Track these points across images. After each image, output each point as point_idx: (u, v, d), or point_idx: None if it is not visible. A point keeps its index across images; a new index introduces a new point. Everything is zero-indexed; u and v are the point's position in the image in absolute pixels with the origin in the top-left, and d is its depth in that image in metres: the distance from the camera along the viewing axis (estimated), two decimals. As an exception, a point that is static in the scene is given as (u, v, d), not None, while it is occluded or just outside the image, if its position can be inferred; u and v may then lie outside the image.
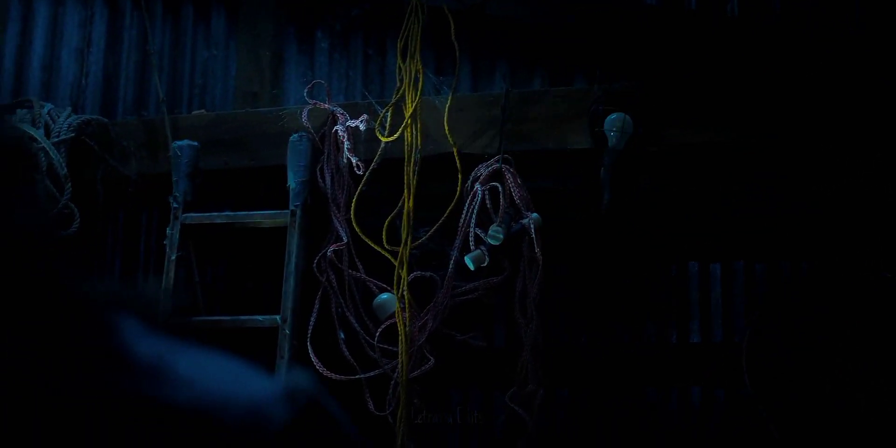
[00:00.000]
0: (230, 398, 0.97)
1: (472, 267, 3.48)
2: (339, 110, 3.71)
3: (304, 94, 3.76)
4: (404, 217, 3.56)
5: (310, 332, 3.53)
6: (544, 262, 3.49)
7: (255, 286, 3.79)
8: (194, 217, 3.66)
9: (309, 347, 3.51)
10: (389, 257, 3.57)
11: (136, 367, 0.98)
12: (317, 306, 3.56)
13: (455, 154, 3.57)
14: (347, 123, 3.66)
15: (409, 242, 3.55)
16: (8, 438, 0.85)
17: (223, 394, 0.97)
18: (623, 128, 3.46)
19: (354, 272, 3.62)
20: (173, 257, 3.61)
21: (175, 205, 3.67)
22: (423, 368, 3.51)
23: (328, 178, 3.64)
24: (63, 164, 3.72)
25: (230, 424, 0.95)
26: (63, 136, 3.79)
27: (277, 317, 3.49)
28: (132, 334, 1.01)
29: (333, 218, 3.63)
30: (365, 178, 3.63)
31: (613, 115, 3.48)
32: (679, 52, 3.66)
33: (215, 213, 3.68)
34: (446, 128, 3.57)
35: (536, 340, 3.49)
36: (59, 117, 3.86)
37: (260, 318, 3.50)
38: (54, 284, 0.94)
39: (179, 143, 3.73)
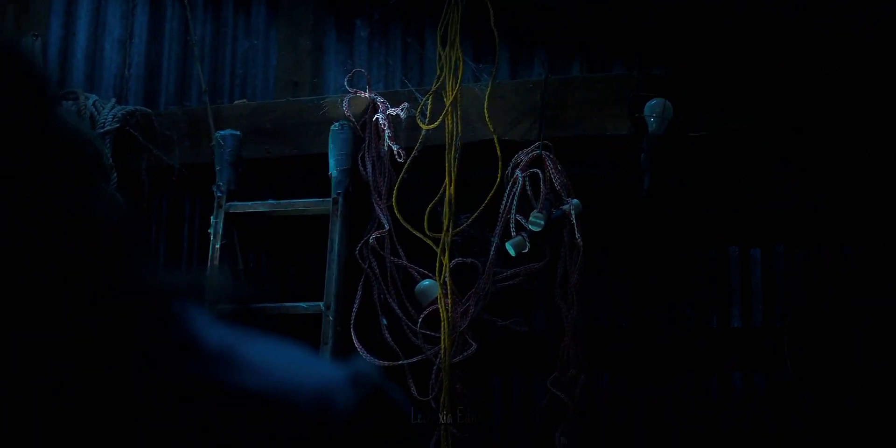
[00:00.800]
0: (297, 385, 0.99)
1: (512, 253, 3.50)
2: (379, 98, 3.74)
3: (345, 83, 3.79)
4: (445, 204, 3.58)
5: (353, 318, 3.57)
6: (585, 248, 3.51)
7: (298, 273, 3.83)
8: (238, 205, 3.70)
9: (352, 333, 3.55)
10: (431, 244, 3.60)
11: (207, 354, 1.00)
12: (359, 293, 3.60)
13: (495, 141, 3.59)
14: (388, 111, 3.69)
15: (450, 229, 3.57)
16: (89, 427, 0.87)
17: (290, 380, 0.99)
18: (663, 113, 3.46)
19: (396, 259, 3.65)
20: (218, 245, 3.66)
21: (219, 194, 3.72)
22: (465, 354, 3.54)
23: (369, 166, 3.68)
24: (108, 155, 3.77)
25: (298, 411, 0.97)
26: (108, 127, 3.85)
27: (321, 303, 3.53)
28: (201, 322, 1.04)
29: (375, 205, 3.66)
30: (406, 166, 3.66)
31: (653, 101, 3.48)
32: (718, 38, 3.65)
33: (258, 202, 3.73)
34: (486, 115, 3.59)
35: (577, 326, 3.51)
36: (103, 108, 3.92)
37: (304, 305, 3.55)
38: (129, 276, 0.96)
39: (222, 132, 3.78)
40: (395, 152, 3.66)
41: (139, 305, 0.96)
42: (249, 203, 3.72)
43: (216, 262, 3.61)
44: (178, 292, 1.07)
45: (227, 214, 3.69)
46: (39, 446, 0.83)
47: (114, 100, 4.05)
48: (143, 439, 0.88)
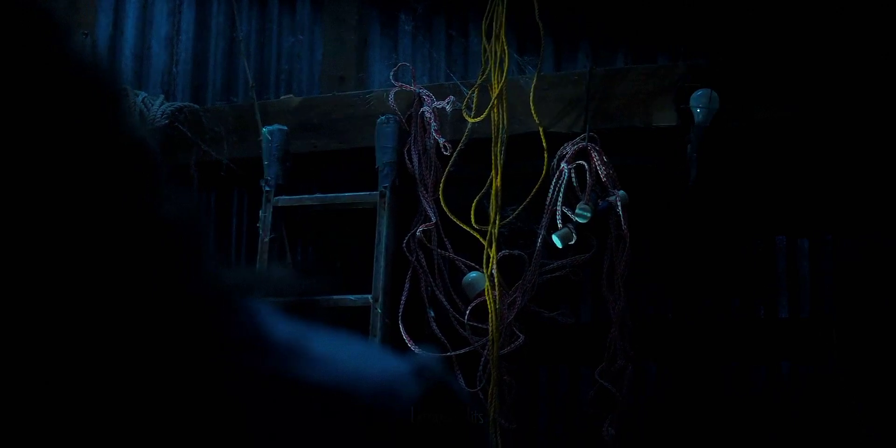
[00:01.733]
0: (362, 377, 1.00)
1: (559, 245, 3.51)
2: (424, 92, 3.76)
3: (390, 77, 3.82)
4: (492, 196, 3.60)
5: (401, 310, 3.60)
6: (631, 239, 3.51)
7: (345, 266, 3.86)
8: (285, 199, 3.74)
9: (400, 326, 3.58)
10: (478, 236, 3.62)
11: (274, 347, 1.02)
12: (407, 285, 3.63)
13: (541, 133, 3.60)
14: (434, 105, 3.71)
15: (497, 221, 3.59)
16: (166, 422, 0.89)
17: (355, 373, 1.00)
18: (709, 104, 3.46)
19: (443, 251, 3.68)
20: (266, 239, 3.70)
21: (267, 188, 3.76)
22: (512, 345, 3.56)
23: (416, 159, 3.70)
24: (159, 151, 3.82)
25: (363, 404, 0.98)
26: (158, 124, 3.90)
27: (369, 296, 3.56)
28: (266, 316, 1.05)
29: (422, 198, 3.68)
30: (452, 159, 3.68)
31: (699, 92, 3.48)
32: (763, 28, 3.63)
33: (306, 196, 3.76)
34: (532, 107, 3.60)
35: (624, 316, 3.52)
36: (152, 105, 3.97)
37: (352, 297, 3.58)
38: (203, 272, 0.98)
39: (269, 127, 3.81)
40: (441, 145, 3.68)
41: (211, 301, 0.98)
42: (297, 197, 3.75)
43: (265, 256, 3.66)
44: (242, 287, 1.10)
45: (275, 208, 3.73)
46: (124, 439, 0.86)
47: (162, 96, 4.10)
48: (216, 433, 0.90)
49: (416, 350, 3.53)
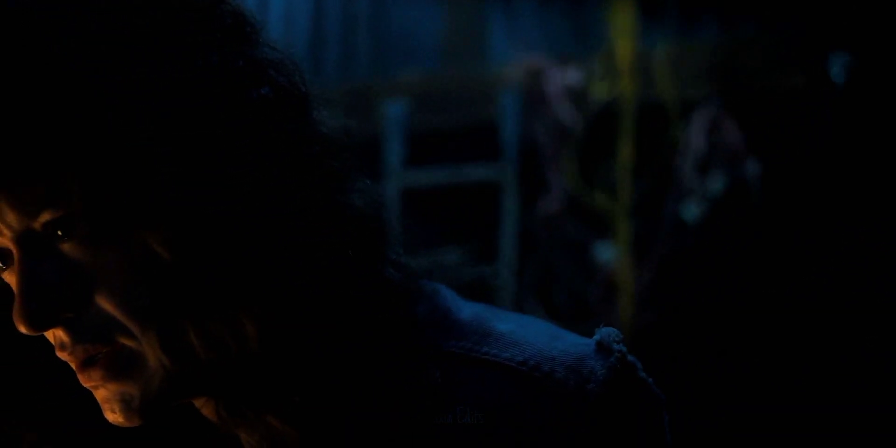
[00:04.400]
0: (550, 355, 0.99)
1: (690, 218, 3.45)
2: (547, 63, 3.71)
3: (512, 49, 3.78)
4: (620, 169, 3.55)
5: (529, 284, 3.58)
6: (766, 210, 3.43)
7: (470, 241, 3.85)
8: (409, 176, 3.74)
9: (528, 301, 3.56)
10: (606, 210, 3.57)
11: (461, 327, 1.01)
12: (534, 260, 3.61)
13: (670, 103, 3.53)
14: (557, 77, 3.66)
15: (626, 194, 3.54)
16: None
17: (544, 351, 0.99)
18: (844, 67, 3.36)
19: (571, 225, 3.64)
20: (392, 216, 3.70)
21: (389, 165, 3.76)
22: (642, 320, 3.51)
23: (540, 133, 3.66)
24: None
25: (554, 381, 0.96)
26: (279, 102, 3.92)
27: (497, 270, 3.56)
28: (449, 298, 1.04)
29: (548, 172, 3.65)
30: (578, 131, 3.63)
31: (834, 55, 3.38)
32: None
33: (429, 171, 3.76)
34: (660, 76, 3.53)
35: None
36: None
37: (479, 271, 3.58)
38: (391, 255, 0.99)
39: (390, 104, 3.81)
40: (567, 117, 3.63)
41: (401, 283, 0.97)
42: (420, 173, 3.75)
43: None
44: (421, 269, 1.09)
45: (398, 185, 3.73)
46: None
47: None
48: (415, 409, 0.90)
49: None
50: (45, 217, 0.81)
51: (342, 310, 0.87)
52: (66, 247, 0.82)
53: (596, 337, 1.01)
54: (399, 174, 3.74)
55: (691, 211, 3.44)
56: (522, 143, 3.67)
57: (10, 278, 0.86)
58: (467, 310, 1.03)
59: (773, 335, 3.46)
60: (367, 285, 0.90)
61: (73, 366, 0.86)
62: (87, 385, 0.86)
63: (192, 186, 0.79)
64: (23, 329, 0.82)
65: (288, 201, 0.84)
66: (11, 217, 0.81)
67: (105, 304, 0.82)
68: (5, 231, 0.82)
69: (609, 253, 3.55)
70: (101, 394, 0.86)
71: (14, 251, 0.83)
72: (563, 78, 3.65)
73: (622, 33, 3.59)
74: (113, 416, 0.86)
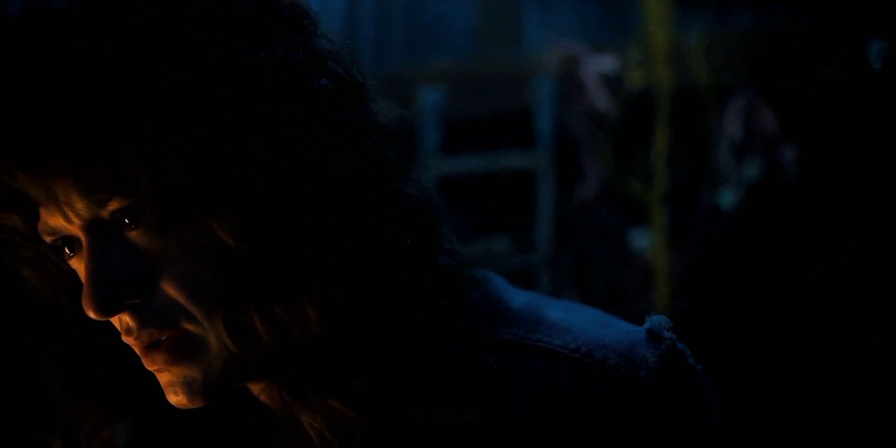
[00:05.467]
0: (602, 343, 1.00)
1: (725, 205, 3.44)
2: (582, 50, 3.70)
3: (546, 37, 3.77)
4: (657, 156, 3.54)
5: (564, 272, 3.58)
6: (803, 196, 3.42)
7: (506, 229, 3.85)
8: (443, 164, 3.74)
9: (564, 288, 3.56)
10: (641, 197, 3.57)
11: (513, 315, 1.02)
12: (570, 247, 3.61)
13: (705, 90, 3.52)
14: (592, 64, 3.65)
15: (662, 181, 3.53)
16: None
17: (596, 338, 1.00)
18: (880, 53, 3.34)
19: (606, 212, 3.64)
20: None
21: (424, 152, 3.77)
22: (676, 307, 3.51)
23: (575, 120, 3.66)
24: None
25: (606, 368, 0.97)
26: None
27: (533, 256, 3.56)
28: (500, 286, 1.06)
29: (582, 159, 3.64)
30: (613, 118, 3.62)
31: (871, 42, 3.35)
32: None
33: (464, 159, 3.76)
34: (695, 63, 3.52)
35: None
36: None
37: (516, 259, 3.58)
38: (446, 245, 1.00)
39: (424, 91, 3.82)
40: (601, 105, 3.62)
41: (454, 272, 0.98)
42: (455, 161, 3.75)
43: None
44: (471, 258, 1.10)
45: (433, 173, 3.74)
46: None
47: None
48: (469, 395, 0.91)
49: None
50: (114, 205, 0.83)
51: (399, 296, 0.88)
52: (133, 234, 0.84)
53: (646, 325, 1.01)
54: (434, 162, 3.74)
55: (727, 198, 3.43)
56: (557, 130, 3.66)
57: (78, 265, 0.88)
58: (518, 297, 1.04)
59: (809, 322, 3.45)
60: (423, 272, 0.91)
61: (137, 350, 0.88)
62: (151, 368, 0.89)
63: (258, 175, 0.81)
64: (92, 314, 0.84)
65: (349, 190, 0.86)
66: (81, 205, 0.83)
67: (170, 289, 0.84)
68: (74, 219, 0.84)
69: (644, 240, 3.55)
70: (164, 377, 0.88)
71: (83, 239, 0.85)
72: (598, 65, 3.64)
73: (657, 20, 3.57)
74: (176, 399, 0.88)
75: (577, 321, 1.03)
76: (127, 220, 0.84)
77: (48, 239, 0.88)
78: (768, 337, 3.47)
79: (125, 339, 0.88)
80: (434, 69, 3.97)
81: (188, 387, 0.88)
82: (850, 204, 3.52)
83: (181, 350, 0.87)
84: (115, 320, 0.88)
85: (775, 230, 3.47)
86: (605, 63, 3.62)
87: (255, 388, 0.95)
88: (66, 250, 0.88)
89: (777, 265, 3.48)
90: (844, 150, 3.46)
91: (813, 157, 3.50)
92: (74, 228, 0.85)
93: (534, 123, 3.68)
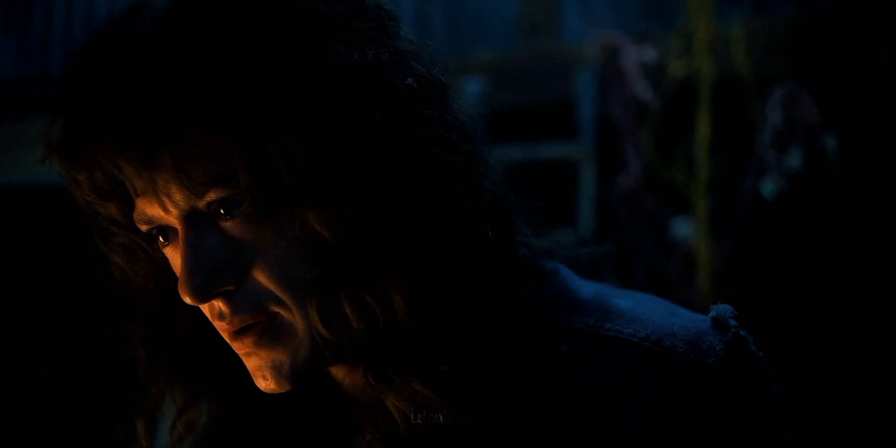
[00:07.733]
0: (670, 331, 1.01)
1: (768, 194, 3.43)
2: (622, 40, 3.70)
3: (586, 27, 3.78)
4: (699, 145, 3.54)
5: (607, 262, 3.58)
6: (844, 184, 3.41)
7: (547, 218, 3.87)
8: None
9: (607, 277, 3.57)
10: (683, 186, 3.57)
11: (583, 305, 1.04)
12: (612, 235, 3.62)
13: (747, 79, 3.51)
14: (633, 54, 3.66)
15: (704, 171, 3.53)
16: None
17: (664, 327, 1.02)
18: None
19: (648, 201, 3.64)
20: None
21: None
22: (720, 296, 3.51)
23: (616, 110, 3.66)
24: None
25: (675, 356, 0.99)
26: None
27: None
28: (569, 277, 1.08)
29: (624, 149, 3.65)
30: (655, 108, 3.62)
31: (915, 30, 3.33)
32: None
33: (505, 150, 3.77)
34: (737, 53, 3.51)
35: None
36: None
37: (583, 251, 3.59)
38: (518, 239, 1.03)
39: (467, 82, 3.83)
40: (643, 95, 3.63)
41: (524, 264, 1.01)
42: (496, 151, 3.76)
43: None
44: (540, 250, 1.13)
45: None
46: None
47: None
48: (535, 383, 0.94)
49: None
50: (211, 196, 0.86)
51: (481, 286, 0.91)
52: (228, 224, 0.88)
53: (712, 313, 1.03)
54: (476, 152, 3.76)
55: (769, 187, 3.43)
56: (599, 120, 3.67)
57: (173, 253, 0.91)
58: (587, 287, 1.07)
59: (853, 311, 3.44)
60: (503, 263, 0.94)
61: (226, 335, 0.92)
62: (240, 352, 0.92)
63: (356, 170, 0.84)
64: (188, 300, 0.87)
65: (437, 184, 0.89)
66: (179, 196, 0.86)
67: (262, 277, 0.88)
68: (172, 209, 0.88)
69: (687, 229, 3.55)
70: (253, 361, 0.92)
71: (179, 228, 0.89)
72: (639, 55, 3.64)
73: (699, 9, 3.57)
74: (264, 383, 0.92)
75: (644, 310, 1.05)
76: (223, 211, 0.87)
77: (143, 227, 0.91)
78: (811, 325, 3.47)
79: (216, 323, 0.91)
80: (476, 61, 3.99)
81: (276, 371, 0.91)
82: (892, 193, 3.51)
83: (271, 334, 0.90)
84: (205, 306, 0.91)
85: (817, 219, 3.47)
86: (646, 53, 3.63)
87: (339, 372, 0.98)
88: (161, 239, 0.92)
89: (819, 254, 3.48)
90: (887, 138, 3.44)
91: (856, 147, 3.49)
92: (171, 218, 0.89)
93: (575, 113, 3.68)
